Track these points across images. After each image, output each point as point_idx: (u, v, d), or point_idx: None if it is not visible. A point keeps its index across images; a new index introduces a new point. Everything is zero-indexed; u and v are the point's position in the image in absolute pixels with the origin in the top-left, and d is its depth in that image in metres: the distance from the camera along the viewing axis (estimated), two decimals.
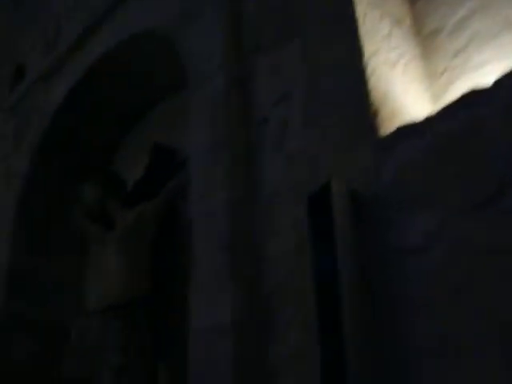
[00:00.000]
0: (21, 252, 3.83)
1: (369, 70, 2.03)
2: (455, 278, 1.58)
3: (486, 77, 2.07)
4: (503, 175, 1.54)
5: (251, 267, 2.11)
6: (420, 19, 2.41)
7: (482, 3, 2.23)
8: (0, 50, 5.25)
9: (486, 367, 1.46)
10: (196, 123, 2.53)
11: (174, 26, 3.04)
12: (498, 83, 1.63)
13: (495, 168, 1.56)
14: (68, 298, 3.85)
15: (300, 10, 2.38)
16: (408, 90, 2.14)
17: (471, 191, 1.61)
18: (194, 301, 2.22)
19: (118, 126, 3.95)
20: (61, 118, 3.95)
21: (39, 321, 3.72)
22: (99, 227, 3.47)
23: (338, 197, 1.78)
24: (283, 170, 2.19)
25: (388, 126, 1.97)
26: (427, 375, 1.58)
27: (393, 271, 1.73)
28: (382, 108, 1.99)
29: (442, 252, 1.63)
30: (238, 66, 2.55)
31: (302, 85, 2.28)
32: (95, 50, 3.68)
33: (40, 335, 3.68)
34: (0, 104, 4.76)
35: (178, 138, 3.56)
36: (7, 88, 4.74)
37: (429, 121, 1.79)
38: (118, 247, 3.06)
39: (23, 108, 4.41)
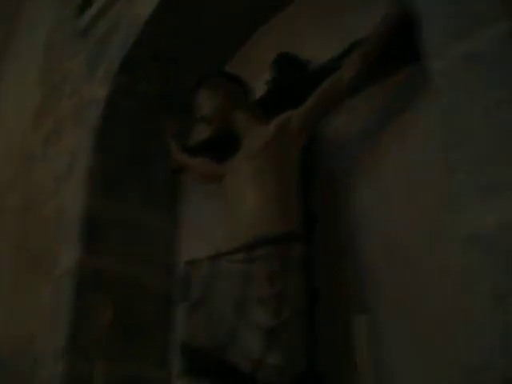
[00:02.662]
0: (99, 198, 3.00)
1: None
2: None
3: None
4: None
5: None
6: None
7: None
8: None
9: None
10: None
11: None
12: None
13: None
14: (156, 252, 3.01)
15: None
16: None
17: None
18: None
19: (221, 40, 3.06)
20: (148, 33, 3.10)
21: (122, 278, 2.86)
22: (206, 159, 2.61)
23: None
24: None
25: None
26: None
27: None
28: None
29: None
30: None
31: None
32: None
33: (124, 294, 2.83)
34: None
35: (308, 49, 2.73)
36: (75, 17, 3.91)
37: None
38: (253, 170, 2.21)
39: (97, 33, 3.58)
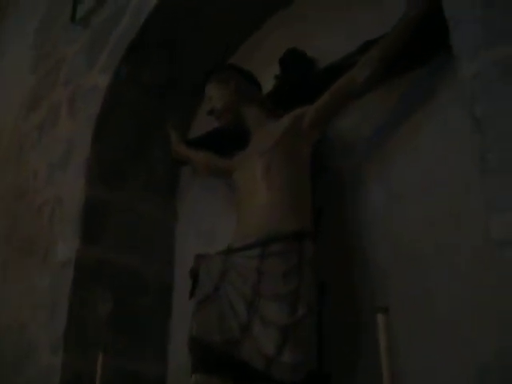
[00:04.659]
0: (98, 188, 2.96)
1: None
2: None
3: None
4: None
5: None
6: None
7: None
8: None
9: None
10: None
11: None
12: None
13: None
14: (155, 243, 3.03)
15: None
16: None
17: None
18: None
19: (228, 31, 3.03)
20: (153, 23, 3.04)
21: (122, 269, 2.86)
22: (209, 152, 2.59)
23: None
24: None
25: None
26: None
27: None
28: None
29: None
30: None
31: None
32: None
33: (124, 286, 2.83)
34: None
35: (316, 45, 2.71)
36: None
37: None
38: (266, 165, 2.20)
39: (96, 21, 3.51)
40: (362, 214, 2.29)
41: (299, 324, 1.89)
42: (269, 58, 2.85)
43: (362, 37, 2.36)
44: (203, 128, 2.95)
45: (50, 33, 4.18)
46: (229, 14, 2.99)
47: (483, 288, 1.82)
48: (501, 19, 1.51)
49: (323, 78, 2.44)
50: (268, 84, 2.73)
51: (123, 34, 3.11)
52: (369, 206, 2.27)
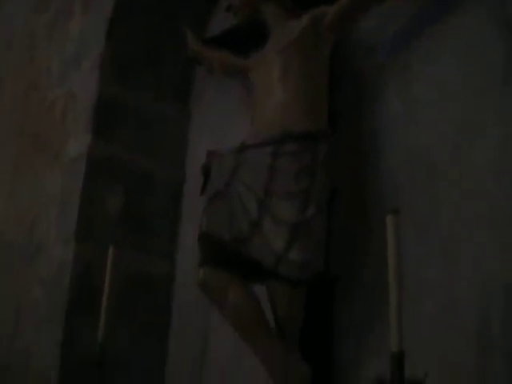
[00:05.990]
0: (112, 85, 2.91)
1: None
2: None
3: None
4: None
5: None
6: None
7: None
8: None
9: None
10: None
11: None
12: None
13: None
14: (167, 143, 3.00)
15: None
16: None
17: None
18: None
19: None
20: None
21: (133, 167, 2.84)
22: (225, 51, 2.55)
23: None
24: None
25: None
26: None
27: None
28: None
29: None
30: None
31: None
32: None
33: (134, 184, 2.82)
34: None
35: None
36: None
37: None
38: (284, 64, 2.15)
39: None
40: (379, 119, 2.25)
41: (309, 223, 1.88)
42: None
43: None
44: (222, 26, 2.87)
45: None
46: None
47: (494, 201, 1.80)
48: None
49: None
50: None
51: None
52: (386, 111, 2.23)
